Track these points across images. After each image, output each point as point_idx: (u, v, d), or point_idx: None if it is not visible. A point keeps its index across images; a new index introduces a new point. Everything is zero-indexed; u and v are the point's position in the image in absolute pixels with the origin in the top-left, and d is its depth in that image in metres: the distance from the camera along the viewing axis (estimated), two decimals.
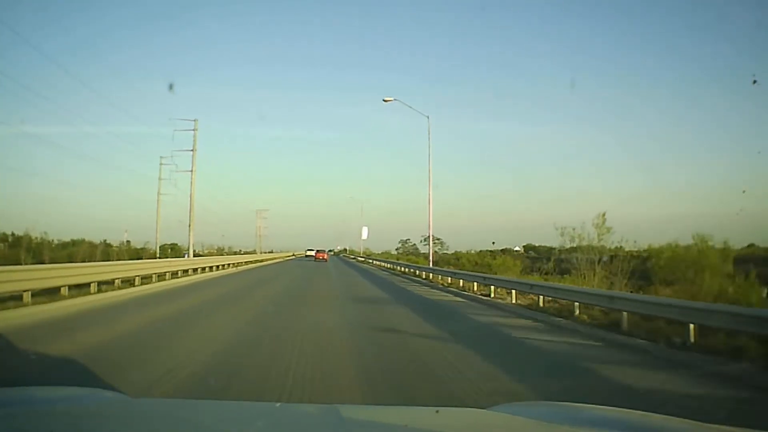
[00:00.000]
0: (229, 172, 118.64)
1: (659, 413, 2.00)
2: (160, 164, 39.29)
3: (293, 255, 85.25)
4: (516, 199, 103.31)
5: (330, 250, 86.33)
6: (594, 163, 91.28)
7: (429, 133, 30.17)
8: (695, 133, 78.19)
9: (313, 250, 69.17)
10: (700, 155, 77.35)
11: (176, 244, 48.82)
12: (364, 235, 64.16)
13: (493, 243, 64.16)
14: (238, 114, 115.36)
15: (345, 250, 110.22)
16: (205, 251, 57.58)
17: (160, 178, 37.61)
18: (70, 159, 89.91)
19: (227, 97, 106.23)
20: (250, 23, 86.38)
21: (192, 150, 36.04)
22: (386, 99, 31.67)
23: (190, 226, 35.19)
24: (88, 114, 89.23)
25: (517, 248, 65.54)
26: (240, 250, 74.75)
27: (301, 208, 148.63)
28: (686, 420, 1.87)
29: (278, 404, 2.25)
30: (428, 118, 30.54)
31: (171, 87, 60.16)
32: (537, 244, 67.61)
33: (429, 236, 32.26)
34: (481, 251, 48.87)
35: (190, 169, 35.87)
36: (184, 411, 2.20)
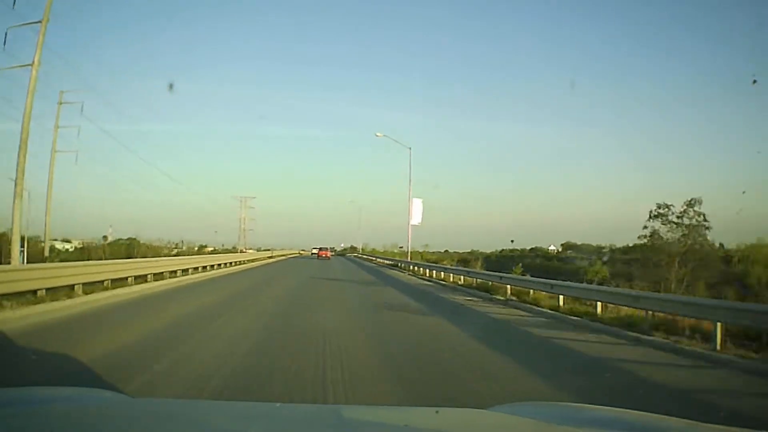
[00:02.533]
0: (227, 170, 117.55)
1: (659, 413, 2.01)
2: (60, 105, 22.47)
3: (299, 253, 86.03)
4: (518, 200, 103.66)
5: (332, 248, 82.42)
6: (593, 163, 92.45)
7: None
8: (695, 134, 79.81)
9: (318, 248, 71.37)
10: (700, 155, 78.90)
11: (134, 239, 37.85)
12: (416, 219, 34.49)
13: (512, 242, 58.77)
14: (238, 112, 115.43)
15: (354, 248, 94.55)
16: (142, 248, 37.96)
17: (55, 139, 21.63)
18: (72, 155, 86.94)
19: (227, 96, 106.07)
20: (251, 22, 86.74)
21: (40, 21, 16.61)
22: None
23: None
24: (87, 110, 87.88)
25: (552, 247, 58.23)
26: (208, 248, 60.74)
27: (304, 207, 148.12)
28: (685, 420, 1.89)
29: (278, 404, 2.24)
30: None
31: (171, 87, 58.96)
32: (579, 242, 60.56)
33: None
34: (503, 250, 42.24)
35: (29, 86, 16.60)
36: (184, 411, 2.20)
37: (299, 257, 69.48)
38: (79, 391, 2.21)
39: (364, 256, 72.00)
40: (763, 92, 64.78)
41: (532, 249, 57.26)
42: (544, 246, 60.87)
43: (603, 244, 60.62)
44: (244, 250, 62.91)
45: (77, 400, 2.04)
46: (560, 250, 58.25)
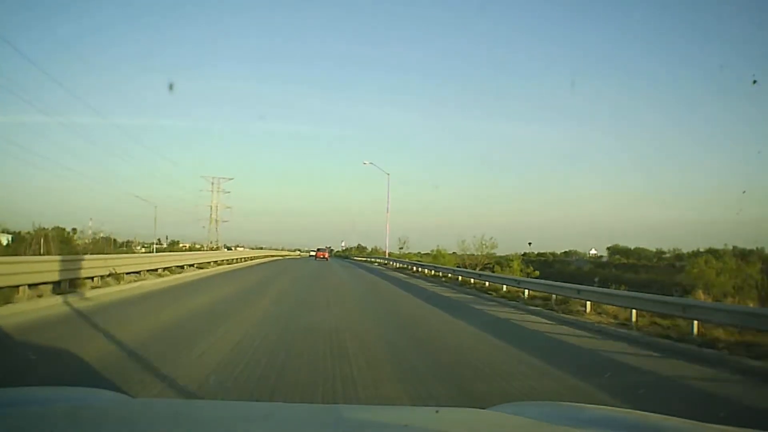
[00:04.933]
0: (225, 169, 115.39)
1: (659, 413, 2.02)
2: None
3: (298, 254, 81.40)
4: (523, 201, 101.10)
5: (328, 247, 76.71)
6: (592, 163, 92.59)
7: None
8: (695, 134, 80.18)
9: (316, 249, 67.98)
10: (700, 156, 79.41)
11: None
12: None
13: (530, 244, 51.31)
14: (238, 110, 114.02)
15: (363, 248, 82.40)
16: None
17: None
18: (64, 149, 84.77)
19: (226, 94, 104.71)
20: (250, 22, 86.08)
21: None
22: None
23: None
24: (89, 104, 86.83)
25: (593, 251, 51.75)
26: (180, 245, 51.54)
27: (302, 206, 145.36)
28: (685, 420, 1.90)
29: (278, 404, 2.24)
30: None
31: (171, 87, 58.68)
32: (632, 246, 53.77)
33: None
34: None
35: None
36: (184, 411, 2.20)
37: (295, 259, 59.69)
38: (79, 391, 2.21)
39: (421, 269, 32.39)
40: (763, 92, 64.98)
41: (565, 253, 51.34)
42: (580, 250, 54.02)
43: (664, 249, 53.03)
44: (218, 247, 50.91)
45: (77, 400, 2.04)
46: (606, 256, 50.79)
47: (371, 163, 46.22)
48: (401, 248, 54.10)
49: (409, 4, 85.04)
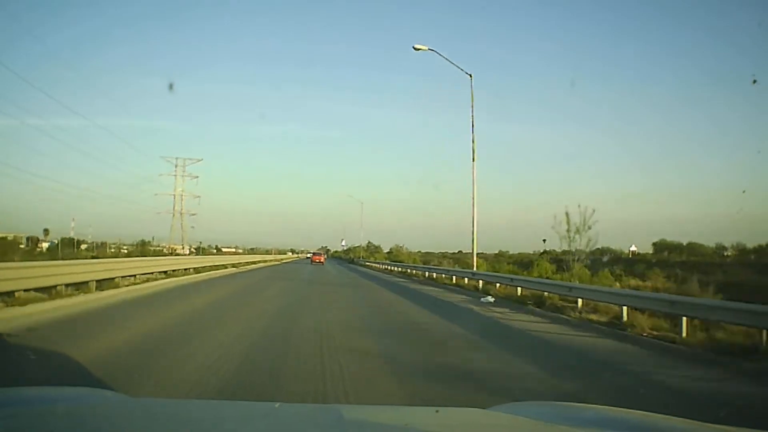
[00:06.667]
0: (229, 169, 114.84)
1: (660, 413, 2.03)
2: None
3: (296, 256, 79.97)
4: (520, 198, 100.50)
5: (323, 247, 74.77)
6: (593, 163, 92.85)
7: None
8: (695, 133, 79.97)
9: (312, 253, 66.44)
10: (700, 155, 79.52)
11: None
12: None
13: (545, 241, 50.11)
14: (238, 112, 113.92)
15: (376, 248, 77.22)
16: None
17: None
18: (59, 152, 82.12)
19: (227, 95, 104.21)
20: (250, 21, 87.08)
21: None
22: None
23: None
24: (86, 107, 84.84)
25: (633, 248, 45.89)
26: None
27: (302, 206, 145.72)
28: (687, 420, 1.90)
29: (278, 404, 2.23)
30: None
31: (171, 86, 58.40)
32: (685, 242, 47.86)
33: None
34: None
35: None
36: (184, 411, 2.19)
37: (283, 264, 54.86)
38: (79, 391, 2.21)
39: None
40: (763, 92, 64.58)
41: (597, 249, 49.72)
42: (613, 246, 46.26)
43: (724, 244, 46.38)
44: (185, 249, 40.06)
45: (77, 400, 2.03)
46: (634, 251, 45.54)
47: (431, 49, 23.85)
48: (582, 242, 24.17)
49: (407, 6, 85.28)
